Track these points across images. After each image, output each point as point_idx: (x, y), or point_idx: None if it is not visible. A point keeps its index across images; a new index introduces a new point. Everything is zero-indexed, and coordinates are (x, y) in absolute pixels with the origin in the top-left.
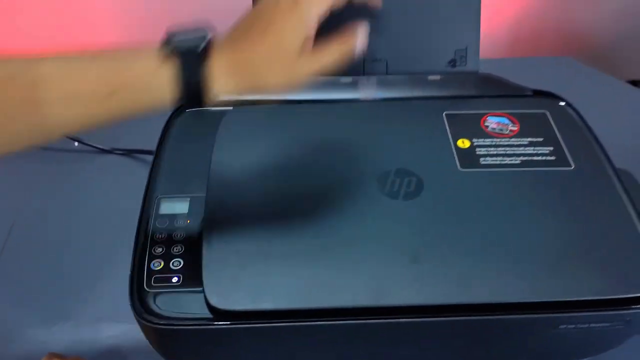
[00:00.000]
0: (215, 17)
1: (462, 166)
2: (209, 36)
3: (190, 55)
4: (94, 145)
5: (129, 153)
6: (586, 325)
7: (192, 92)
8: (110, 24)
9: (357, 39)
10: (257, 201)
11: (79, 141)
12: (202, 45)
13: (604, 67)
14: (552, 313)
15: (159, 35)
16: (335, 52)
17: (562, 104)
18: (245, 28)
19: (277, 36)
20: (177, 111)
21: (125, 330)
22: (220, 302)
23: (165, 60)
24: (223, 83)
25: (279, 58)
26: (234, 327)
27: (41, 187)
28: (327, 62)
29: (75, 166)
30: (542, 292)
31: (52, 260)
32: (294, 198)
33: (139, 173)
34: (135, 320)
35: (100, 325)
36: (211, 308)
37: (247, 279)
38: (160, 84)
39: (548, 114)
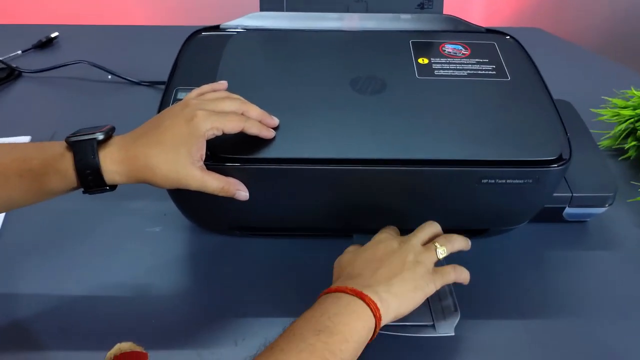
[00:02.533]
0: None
1: (419, 75)
2: (108, 133)
3: (85, 148)
4: (125, 77)
5: (153, 84)
6: (503, 181)
7: (90, 176)
8: None
9: (237, 193)
10: (255, 85)
11: (112, 73)
12: (98, 139)
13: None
14: (476, 167)
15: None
16: (220, 182)
17: (508, 37)
18: (146, 129)
19: (170, 141)
20: (192, 36)
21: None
22: (220, 151)
23: (68, 150)
24: (114, 171)
25: (169, 159)
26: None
27: (80, 108)
28: (209, 183)
29: (108, 94)
30: (468, 153)
31: None
32: (285, 90)
33: None
34: None
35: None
36: (213, 155)
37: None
38: (65, 168)
39: (496, 44)
